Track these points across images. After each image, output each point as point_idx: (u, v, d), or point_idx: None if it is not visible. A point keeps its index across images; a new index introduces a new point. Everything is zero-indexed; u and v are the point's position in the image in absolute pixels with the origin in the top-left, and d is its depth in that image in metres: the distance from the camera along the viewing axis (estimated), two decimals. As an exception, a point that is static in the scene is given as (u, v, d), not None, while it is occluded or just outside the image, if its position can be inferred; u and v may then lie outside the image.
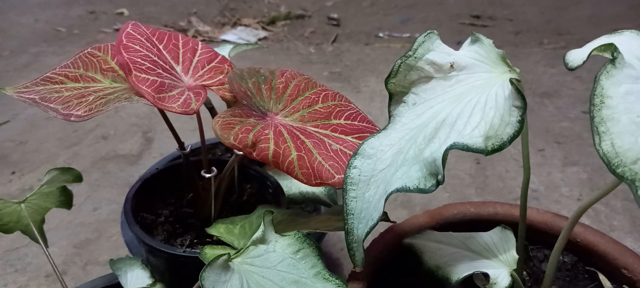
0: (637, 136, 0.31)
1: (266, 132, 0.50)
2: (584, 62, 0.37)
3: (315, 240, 0.45)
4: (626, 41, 0.40)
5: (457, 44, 0.47)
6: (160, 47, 0.59)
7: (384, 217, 0.51)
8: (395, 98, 0.48)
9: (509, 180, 1.14)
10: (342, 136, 0.53)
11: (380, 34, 2.08)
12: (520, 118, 0.38)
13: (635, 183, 0.31)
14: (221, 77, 0.58)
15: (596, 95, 0.33)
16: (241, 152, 0.55)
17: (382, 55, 1.87)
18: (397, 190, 0.40)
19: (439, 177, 0.39)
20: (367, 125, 0.55)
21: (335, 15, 2.28)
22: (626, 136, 0.31)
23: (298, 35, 2.10)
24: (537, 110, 1.44)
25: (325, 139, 0.52)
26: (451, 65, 0.45)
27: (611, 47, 0.35)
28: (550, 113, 1.43)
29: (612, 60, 0.34)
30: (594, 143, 0.32)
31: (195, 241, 0.64)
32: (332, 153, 0.50)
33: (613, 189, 0.41)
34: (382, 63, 1.79)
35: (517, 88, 0.39)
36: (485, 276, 0.47)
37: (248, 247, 0.45)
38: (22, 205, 0.60)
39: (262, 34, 2.11)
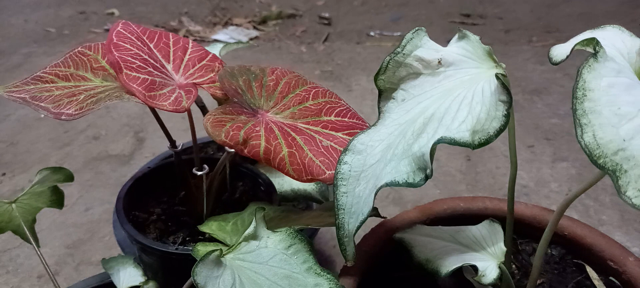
0: (618, 128, 0.32)
1: (257, 129, 0.50)
2: (568, 57, 0.38)
3: (308, 237, 0.46)
4: (609, 36, 0.41)
5: (447, 43, 0.48)
6: (151, 45, 0.59)
7: (375, 212, 0.52)
8: (384, 94, 0.48)
9: (499, 176, 1.15)
10: (333, 132, 0.54)
11: (372, 33, 2.08)
12: (506, 112, 0.39)
13: (616, 173, 0.31)
14: (212, 75, 0.58)
15: (579, 88, 0.34)
16: (233, 150, 0.55)
17: (373, 54, 1.88)
18: (387, 185, 0.41)
19: (428, 171, 0.40)
20: (357, 121, 0.56)
21: (327, 14, 2.29)
22: (607, 128, 0.32)
23: (289, 34, 2.10)
24: (527, 107, 1.46)
25: (316, 136, 0.52)
26: (439, 62, 0.46)
27: (593, 42, 0.35)
28: (540, 110, 1.44)
29: (594, 54, 0.35)
30: (576, 135, 0.32)
31: (187, 239, 0.65)
32: (322, 150, 0.51)
33: (597, 181, 0.41)
34: (373, 61, 1.80)
35: (503, 83, 0.39)
36: (474, 268, 0.47)
37: (240, 243, 0.46)
38: (13, 205, 0.60)
39: (254, 33, 2.11)
